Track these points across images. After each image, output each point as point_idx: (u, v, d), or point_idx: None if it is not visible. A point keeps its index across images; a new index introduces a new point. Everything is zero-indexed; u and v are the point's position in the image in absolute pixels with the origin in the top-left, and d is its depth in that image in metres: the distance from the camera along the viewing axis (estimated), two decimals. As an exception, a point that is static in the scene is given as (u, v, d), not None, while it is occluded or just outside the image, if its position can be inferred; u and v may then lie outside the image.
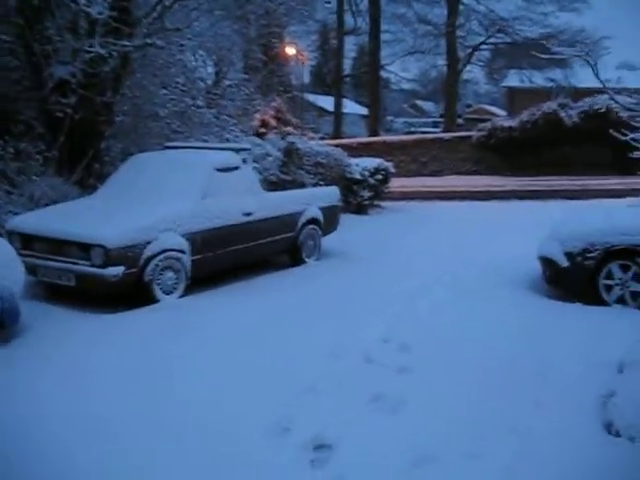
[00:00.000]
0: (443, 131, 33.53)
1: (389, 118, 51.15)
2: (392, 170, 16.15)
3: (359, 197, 14.95)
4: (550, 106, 24.50)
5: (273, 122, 23.33)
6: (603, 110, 23.41)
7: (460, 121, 39.42)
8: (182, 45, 10.97)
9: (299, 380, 4.78)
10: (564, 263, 7.31)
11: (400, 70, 35.01)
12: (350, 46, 37.21)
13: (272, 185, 11.48)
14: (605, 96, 24.01)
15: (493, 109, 55.80)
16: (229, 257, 7.82)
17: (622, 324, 6.25)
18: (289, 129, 26.35)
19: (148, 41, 9.51)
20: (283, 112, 25.97)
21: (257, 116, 19.16)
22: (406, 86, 39.22)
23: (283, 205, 8.74)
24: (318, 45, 41.99)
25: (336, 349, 5.42)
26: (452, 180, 24.48)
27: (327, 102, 45.59)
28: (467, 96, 55.37)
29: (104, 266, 6.50)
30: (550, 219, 13.37)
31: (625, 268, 7.05)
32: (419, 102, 67.31)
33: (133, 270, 6.67)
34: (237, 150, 8.55)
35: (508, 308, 6.88)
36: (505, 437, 3.99)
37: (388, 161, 16.46)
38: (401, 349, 5.57)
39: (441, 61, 33.93)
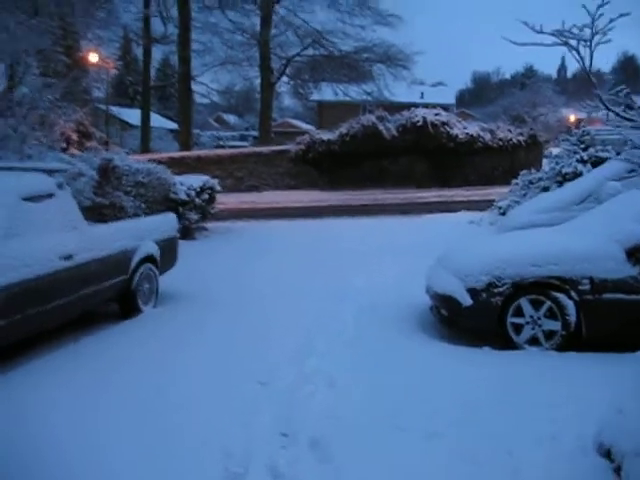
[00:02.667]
0: (257, 145, 32.35)
1: (195, 131, 49.32)
2: (218, 188, 14.81)
3: (186, 220, 13.21)
4: (369, 119, 24.21)
5: (75, 136, 20.78)
6: (420, 123, 23.55)
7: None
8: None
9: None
10: (467, 301, 6.17)
11: (210, 82, 33.26)
12: (154, 56, 34.74)
13: (87, 212, 9.36)
14: (422, 110, 24.46)
15: (298, 123, 56.08)
16: (44, 318, 5.70)
17: (551, 375, 5.21)
18: (93, 144, 23.83)
19: None
20: (86, 125, 23.34)
21: (57, 129, 16.62)
22: (215, 98, 37.50)
23: (113, 242, 6.71)
24: (120, 54, 39.06)
25: (230, 459, 3.74)
26: (272, 196, 23.35)
27: (130, 115, 42.90)
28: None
29: None
30: (397, 238, 12.74)
31: (536, 304, 6.04)
32: (224, 115, 66.14)
33: None
34: (49, 171, 6.40)
35: (418, 365, 5.50)
36: None
37: (213, 178, 14.96)
38: (313, 449, 4.00)
39: (253, 73, 32.73)
